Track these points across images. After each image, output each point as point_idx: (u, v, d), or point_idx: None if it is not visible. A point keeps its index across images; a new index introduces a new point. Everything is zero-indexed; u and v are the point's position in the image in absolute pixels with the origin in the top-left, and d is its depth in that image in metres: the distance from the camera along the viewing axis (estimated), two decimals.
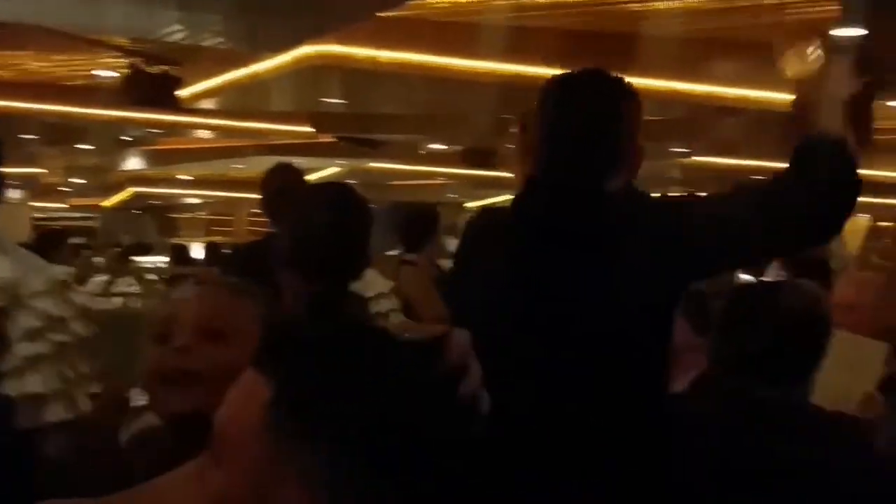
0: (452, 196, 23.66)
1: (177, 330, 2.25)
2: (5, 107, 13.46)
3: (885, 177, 17.33)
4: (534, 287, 2.93)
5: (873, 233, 24.76)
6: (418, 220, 6.54)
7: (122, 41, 10.55)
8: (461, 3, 9.62)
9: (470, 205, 20.64)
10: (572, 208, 2.98)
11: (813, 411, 3.31)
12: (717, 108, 11.73)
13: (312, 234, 3.56)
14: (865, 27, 9.03)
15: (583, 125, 3.07)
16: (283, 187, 5.19)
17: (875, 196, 21.27)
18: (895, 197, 20.62)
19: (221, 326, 2.21)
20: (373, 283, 4.43)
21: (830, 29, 9.24)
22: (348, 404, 1.37)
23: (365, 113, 14.21)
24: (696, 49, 10.64)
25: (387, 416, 1.39)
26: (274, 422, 1.36)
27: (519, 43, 9.89)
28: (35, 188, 22.42)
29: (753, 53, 10.95)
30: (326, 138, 15.52)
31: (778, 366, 3.18)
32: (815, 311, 3.42)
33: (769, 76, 11.07)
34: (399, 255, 6.52)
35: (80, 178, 23.61)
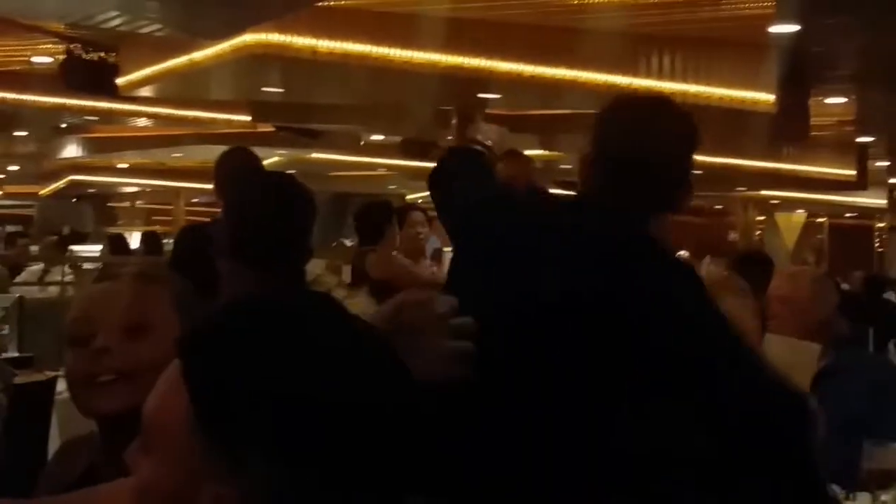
0: (393, 188, 23.63)
1: (95, 331, 2.18)
2: None
3: (821, 173, 17.52)
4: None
5: (809, 228, 25.10)
6: (375, 213, 6.64)
7: (58, 27, 10.49)
8: None
9: (411, 196, 20.65)
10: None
11: None
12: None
13: (254, 222, 3.54)
14: (800, 24, 9.13)
15: (653, 155, 2.97)
16: (233, 172, 5.16)
17: (811, 192, 21.55)
18: (831, 193, 20.86)
19: (140, 321, 2.15)
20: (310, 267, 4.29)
21: (767, 25, 9.35)
22: (261, 401, 1.34)
23: (304, 103, 14.18)
24: (635, 43, 10.72)
25: (302, 414, 1.35)
26: (195, 419, 1.35)
27: (459, 34, 9.95)
28: None
29: (691, 48, 11.07)
30: (266, 128, 15.50)
31: None
32: None
33: (706, 71, 11.22)
34: (359, 247, 6.69)
35: (16, 166, 23.39)
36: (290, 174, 4.23)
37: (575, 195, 3.08)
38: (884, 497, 3.68)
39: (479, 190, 3.30)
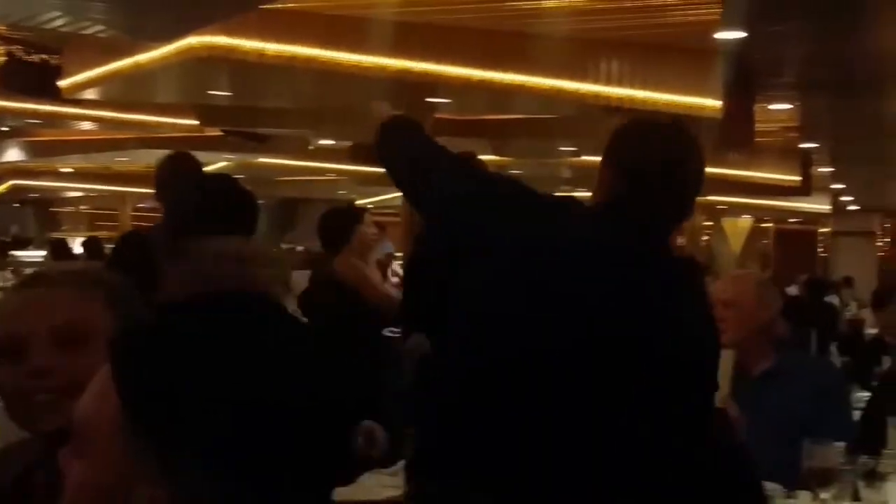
0: (343, 192, 23.55)
1: (27, 345, 2.04)
2: None
3: (766, 178, 17.69)
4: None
5: (755, 233, 25.31)
6: (341, 218, 6.69)
7: None
8: None
9: (361, 202, 20.64)
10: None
11: None
12: (603, 108, 11.88)
13: (192, 225, 3.51)
14: (746, 30, 9.21)
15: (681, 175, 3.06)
16: (173, 176, 5.12)
17: (757, 197, 21.75)
18: (776, 198, 21.05)
19: (75, 332, 2.01)
20: None
21: (713, 32, 9.44)
22: (191, 404, 1.33)
23: (252, 106, 14.13)
24: (584, 48, 10.79)
25: (232, 416, 1.33)
26: (126, 421, 1.33)
27: (408, 38, 9.94)
28: None
29: (639, 53, 11.16)
30: (213, 132, 15.42)
31: None
32: None
33: (654, 76, 11.30)
34: (323, 251, 6.76)
35: None
36: (231, 177, 4.26)
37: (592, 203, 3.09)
38: (823, 495, 3.74)
39: (460, 180, 3.35)
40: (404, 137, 3.24)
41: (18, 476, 2.11)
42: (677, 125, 3.31)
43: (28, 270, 11.46)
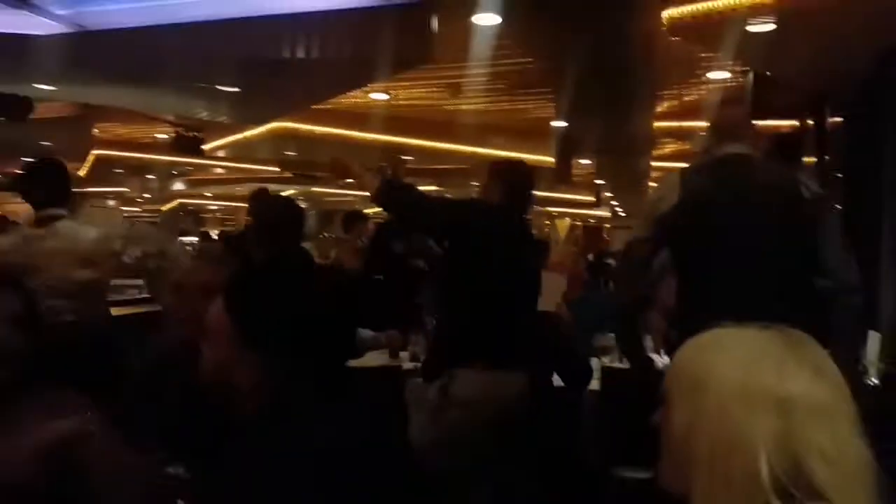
0: (358, 206, 22.92)
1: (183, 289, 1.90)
2: None
3: (577, 199, 17.88)
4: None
5: (572, 228, 25.51)
6: (352, 217, 6.17)
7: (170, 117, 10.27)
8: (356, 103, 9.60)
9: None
10: None
11: None
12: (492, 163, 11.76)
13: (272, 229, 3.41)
14: (567, 121, 9.14)
15: None
16: (257, 199, 4.51)
17: (573, 208, 21.95)
18: (583, 209, 21.27)
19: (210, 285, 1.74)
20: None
21: (551, 121, 9.44)
22: (274, 319, 1.25)
23: (309, 160, 13.90)
24: (483, 129, 10.80)
25: (299, 327, 1.26)
26: (232, 329, 1.29)
27: (379, 121, 9.72)
28: None
29: (513, 133, 11.15)
30: (286, 174, 15.27)
31: None
32: None
33: (521, 147, 11.27)
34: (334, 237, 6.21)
35: None
36: (291, 200, 3.97)
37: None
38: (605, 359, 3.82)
39: (458, 203, 3.31)
40: (407, 189, 3.00)
41: (174, 348, 1.99)
42: (522, 163, 3.32)
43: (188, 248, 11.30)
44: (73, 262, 3.05)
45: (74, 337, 2.72)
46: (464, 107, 9.46)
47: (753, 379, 0.93)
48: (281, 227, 3.37)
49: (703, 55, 6.61)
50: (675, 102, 8.70)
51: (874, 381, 3.26)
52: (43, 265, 2.92)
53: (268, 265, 1.57)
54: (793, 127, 7.43)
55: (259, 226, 3.52)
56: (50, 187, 3.29)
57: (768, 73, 5.96)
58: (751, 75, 6.27)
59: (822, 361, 0.97)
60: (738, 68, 6.95)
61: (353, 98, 9.07)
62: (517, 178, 3.11)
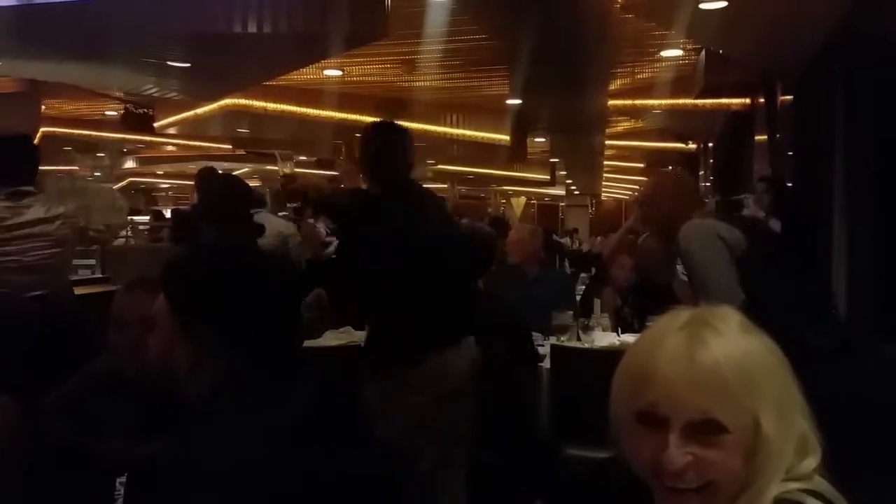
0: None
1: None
2: None
3: (533, 177, 17.88)
4: None
5: (527, 206, 25.62)
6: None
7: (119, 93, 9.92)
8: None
9: None
10: None
11: None
12: (448, 139, 11.76)
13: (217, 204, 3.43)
14: (521, 98, 9.04)
15: None
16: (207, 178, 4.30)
17: (528, 187, 22.00)
18: (538, 187, 21.35)
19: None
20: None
21: (506, 99, 9.36)
22: (208, 300, 1.25)
23: (261, 137, 13.69)
24: (437, 107, 10.70)
25: (232, 309, 1.25)
26: (172, 313, 1.31)
27: (343, 99, 9.71)
28: None
29: (468, 111, 11.09)
30: (239, 152, 14.97)
31: None
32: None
33: (475, 124, 11.22)
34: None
35: None
36: (237, 178, 3.90)
37: None
38: (562, 339, 3.76)
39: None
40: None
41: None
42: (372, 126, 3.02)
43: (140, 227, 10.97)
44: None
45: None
46: (418, 83, 9.31)
47: (772, 345, 0.98)
48: (224, 203, 3.31)
49: (655, 33, 6.58)
50: (628, 80, 8.69)
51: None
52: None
53: (201, 249, 1.53)
54: (744, 105, 7.48)
55: (203, 203, 3.49)
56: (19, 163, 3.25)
57: (720, 51, 5.95)
58: (703, 53, 6.25)
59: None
60: (690, 46, 6.94)
61: (306, 74, 8.87)
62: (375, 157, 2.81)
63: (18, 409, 1.46)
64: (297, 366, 1.30)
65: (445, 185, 20.05)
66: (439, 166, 16.79)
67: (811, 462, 0.94)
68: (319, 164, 15.90)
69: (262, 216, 4.17)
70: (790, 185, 5.09)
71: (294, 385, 1.25)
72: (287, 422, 1.19)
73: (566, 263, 8.51)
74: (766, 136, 6.42)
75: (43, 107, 11.38)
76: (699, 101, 7.76)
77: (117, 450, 1.56)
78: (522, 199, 25.59)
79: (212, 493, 1.13)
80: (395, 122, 3.00)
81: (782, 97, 5.95)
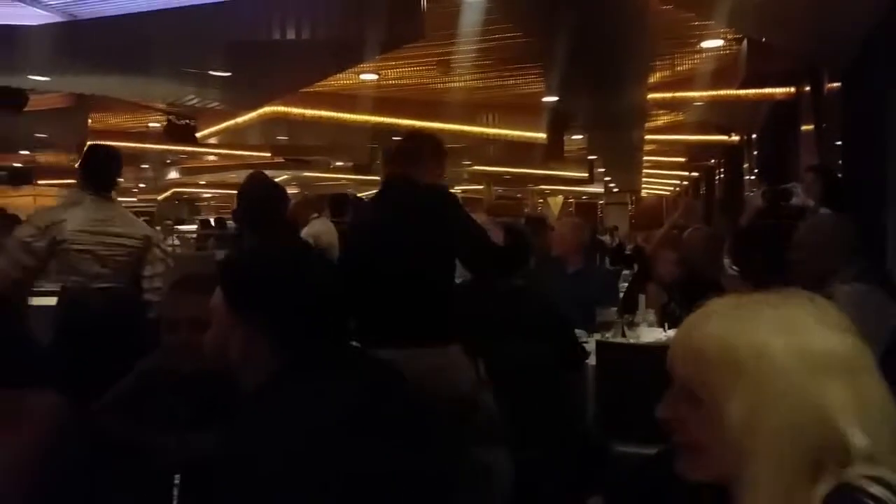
0: (350, 189, 22.98)
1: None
2: None
3: (570, 176, 17.73)
4: None
5: (565, 204, 25.45)
6: (338, 198, 6.31)
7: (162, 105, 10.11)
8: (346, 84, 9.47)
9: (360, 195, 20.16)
10: None
11: None
12: (484, 139, 11.75)
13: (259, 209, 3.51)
14: (559, 96, 9.00)
15: None
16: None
17: (565, 186, 21.83)
18: (576, 186, 21.19)
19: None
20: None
21: (542, 97, 9.28)
22: (266, 294, 1.30)
23: (299, 144, 13.84)
24: (473, 107, 10.68)
25: (288, 300, 1.32)
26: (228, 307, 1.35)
27: (379, 103, 9.75)
28: None
29: (503, 110, 11.06)
30: (278, 159, 15.15)
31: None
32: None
33: (514, 124, 11.17)
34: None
35: None
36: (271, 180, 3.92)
37: None
38: (606, 335, 3.70)
39: None
40: None
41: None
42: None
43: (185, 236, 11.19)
44: None
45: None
46: (453, 84, 9.30)
47: (807, 345, 0.90)
48: (261, 207, 3.43)
49: (695, 23, 6.45)
50: (668, 73, 8.55)
51: None
52: None
53: (257, 248, 1.63)
54: (788, 94, 7.29)
55: (242, 206, 3.56)
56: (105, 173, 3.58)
57: (763, 39, 5.81)
58: (745, 42, 6.11)
59: (832, 314, 0.94)
60: (731, 36, 6.80)
61: (342, 79, 8.93)
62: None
63: (68, 407, 1.47)
64: (348, 361, 1.33)
65: (481, 186, 20.04)
66: (475, 167, 16.78)
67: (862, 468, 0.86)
68: (356, 169, 16.04)
69: (320, 221, 4.22)
70: (840, 174, 4.94)
71: (345, 379, 1.27)
72: (339, 416, 1.20)
73: (606, 261, 8.41)
74: (812, 126, 6.24)
75: (90, 120, 11.68)
76: (742, 92, 7.61)
77: (173, 446, 1.58)
78: (560, 198, 25.42)
79: (266, 486, 1.14)
80: None
81: (829, 84, 5.79)
